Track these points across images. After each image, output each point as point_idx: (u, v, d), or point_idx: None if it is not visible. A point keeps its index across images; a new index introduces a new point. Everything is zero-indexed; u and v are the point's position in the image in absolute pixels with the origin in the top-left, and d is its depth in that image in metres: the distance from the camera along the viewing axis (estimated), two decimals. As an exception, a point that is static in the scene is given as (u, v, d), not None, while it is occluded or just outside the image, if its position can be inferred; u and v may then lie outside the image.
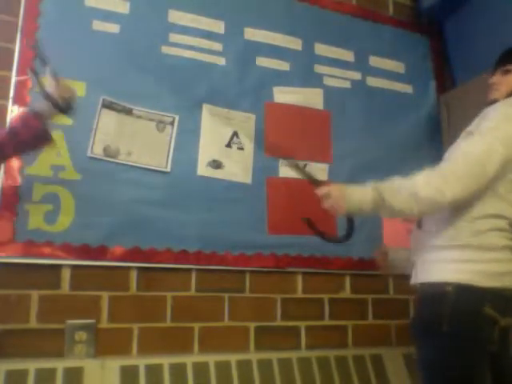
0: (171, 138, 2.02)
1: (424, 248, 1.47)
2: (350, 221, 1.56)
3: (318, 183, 1.53)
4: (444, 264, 1.39)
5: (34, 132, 1.43)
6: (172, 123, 2.02)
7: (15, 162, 1.76)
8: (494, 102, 1.51)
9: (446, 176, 1.31)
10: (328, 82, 2.39)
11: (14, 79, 1.82)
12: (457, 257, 1.37)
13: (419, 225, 1.55)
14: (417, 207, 1.33)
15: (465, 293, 1.32)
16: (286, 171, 2.21)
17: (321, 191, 1.47)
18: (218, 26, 2.20)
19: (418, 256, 1.51)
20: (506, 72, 1.56)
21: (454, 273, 1.36)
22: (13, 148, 1.43)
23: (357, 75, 2.48)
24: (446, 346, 1.34)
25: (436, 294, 1.38)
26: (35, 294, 1.76)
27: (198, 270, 2.00)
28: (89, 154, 1.87)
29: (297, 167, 1.76)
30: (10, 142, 1.41)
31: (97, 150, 1.88)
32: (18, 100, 1.81)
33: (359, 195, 1.40)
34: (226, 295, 2.04)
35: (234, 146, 2.14)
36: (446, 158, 1.45)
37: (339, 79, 2.43)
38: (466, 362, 1.33)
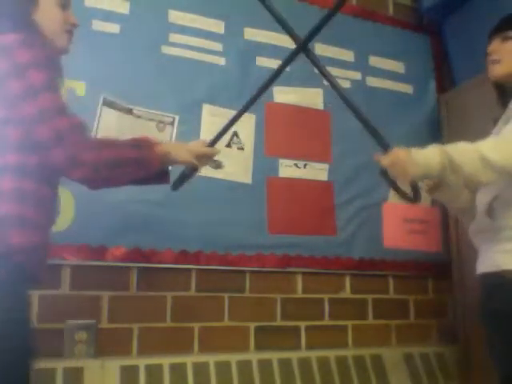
0: (171, 138, 2.02)
1: (499, 237, 1.39)
2: (414, 185, 1.46)
3: (384, 145, 1.44)
4: None
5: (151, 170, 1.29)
6: (172, 123, 2.02)
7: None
8: (498, 78, 1.44)
9: None
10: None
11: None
12: None
13: (490, 214, 1.43)
14: (485, 172, 1.26)
15: None
16: (285, 171, 2.21)
17: (387, 157, 1.39)
18: (218, 26, 2.20)
19: (487, 244, 1.43)
20: (506, 39, 1.44)
21: None
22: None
23: (357, 75, 2.48)
24: None
25: None
26: (35, 294, 1.75)
27: (198, 269, 2.00)
28: (89, 154, 1.87)
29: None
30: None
31: (97, 150, 1.88)
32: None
33: (426, 158, 1.31)
34: (226, 295, 2.04)
35: (234, 146, 2.14)
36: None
37: (339, 79, 2.40)
38: None
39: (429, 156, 1.31)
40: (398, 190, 1.51)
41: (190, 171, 1.51)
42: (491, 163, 1.25)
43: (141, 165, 1.23)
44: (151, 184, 1.41)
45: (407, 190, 1.50)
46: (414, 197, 1.49)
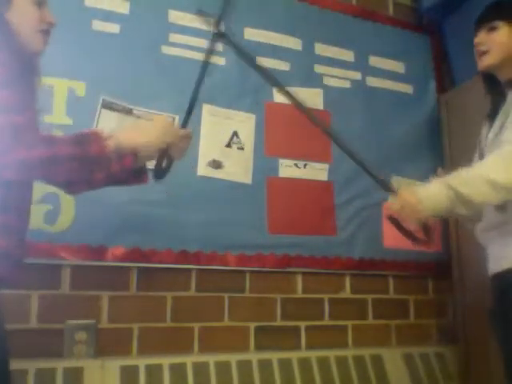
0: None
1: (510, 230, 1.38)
2: (426, 226, 1.44)
3: (389, 189, 1.45)
4: None
5: (125, 169, 1.23)
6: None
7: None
8: (488, 68, 1.42)
9: None
10: (328, 82, 2.39)
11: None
12: None
13: (502, 208, 1.40)
14: (496, 195, 1.25)
15: None
16: (285, 171, 2.21)
17: (396, 203, 1.39)
18: (218, 26, 2.20)
19: (496, 241, 1.42)
20: (492, 29, 1.42)
21: None
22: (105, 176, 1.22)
23: (357, 75, 2.48)
24: None
25: None
26: (35, 294, 1.76)
27: (198, 269, 2.00)
28: (89, 154, 1.87)
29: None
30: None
31: (97, 150, 1.88)
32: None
33: (433, 197, 1.31)
34: (226, 295, 2.04)
35: (234, 146, 2.14)
36: (489, 153, 1.38)
37: (339, 79, 2.43)
38: None
39: (435, 193, 1.31)
40: (409, 235, 1.47)
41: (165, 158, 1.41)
42: (500, 185, 1.24)
43: (85, 161, 1.14)
44: (128, 184, 1.37)
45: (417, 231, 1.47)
46: (427, 238, 1.47)
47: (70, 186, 1.25)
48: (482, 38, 1.44)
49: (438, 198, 1.30)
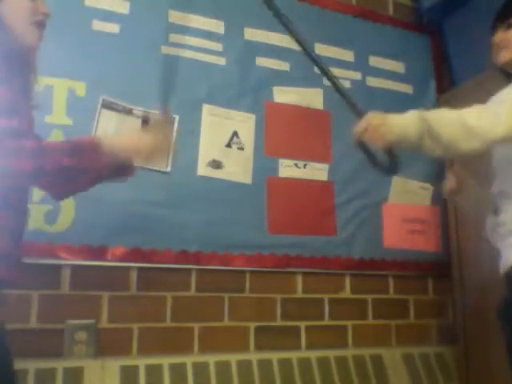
0: (171, 138, 2.01)
1: (503, 232, 1.39)
2: (392, 154, 1.41)
3: (358, 114, 1.41)
4: None
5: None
6: (172, 123, 2.02)
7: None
8: (504, 65, 1.41)
9: (497, 113, 1.24)
10: (328, 81, 2.39)
11: None
12: None
13: (496, 212, 1.42)
14: (466, 140, 1.23)
15: None
16: (285, 171, 2.21)
17: (360, 123, 1.36)
18: (218, 26, 2.20)
19: (504, 242, 1.41)
20: (510, 26, 1.40)
21: None
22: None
23: (357, 75, 2.48)
24: None
25: None
26: (35, 294, 1.76)
27: (198, 270, 2.00)
28: (89, 154, 1.87)
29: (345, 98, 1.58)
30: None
31: (97, 150, 1.88)
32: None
33: (403, 123, 1.29)
34: (226, 295, 2.04)
35: (234, 146, 2.14)
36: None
37: (339, 79, 2.42)
38: None
39: (406, 121, 1.29)
40: (374, 160, 1.45)
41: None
42: (472, 129, 1.22)
43: (76, 171, 1.12)
44: (115, 179, 1.35)
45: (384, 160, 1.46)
46: (392, 167, 1.45)
47: (56, 194, 1.27)
48: (501, 37, 1.43)
49: (409, 127, 1.27)
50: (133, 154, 1.26)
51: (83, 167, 1.13)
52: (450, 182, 1.59)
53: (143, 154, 1.27)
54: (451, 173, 1.58)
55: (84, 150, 1.14)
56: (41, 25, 1.19)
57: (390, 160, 1.43)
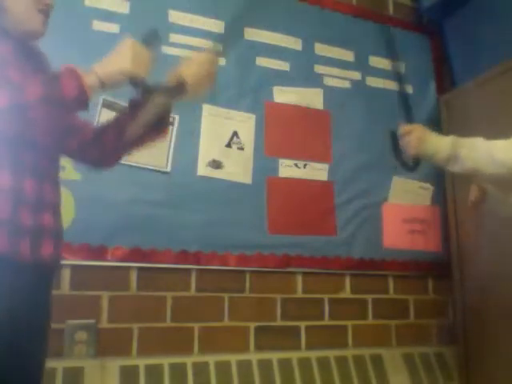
0: (171, 137, 2.02)
1: None
2: (417, 160, 1.66)
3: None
4: None
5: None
6: (172, 123, 2.02)
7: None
8: None
9: None
10: (328, 82, 2.39)
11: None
12: None
13: None
14: (489, 168, 1.36)
15: None
16: (285, 171, 2.21)
17: (409, 127, 1.58)
18: (218, 26, 2.20)
19: None
20: None
21: None
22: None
23: (357, 75, 2.48)
24: None
25: None
26: (35, 294, 1.75)
27: (198, 270, 2.00)
28: (89, 154, 1.87)
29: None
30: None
31: (97, 150, 1.88)
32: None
33: (437, 144, 1.47)
34: (226, 295, 2.04)
35: (234, 146, 2.14)
36: None
37: (339, 79, 2.43)
38: None
39: (440, 143, 1.46)
40: (399, 155, 1.66)
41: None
42: (501, 162, 1.34)
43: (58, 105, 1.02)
44: (149, 141, 1.29)
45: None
46: (413, 167, 1.67)
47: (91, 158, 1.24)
48: None
49: (440, 147, 1.46)
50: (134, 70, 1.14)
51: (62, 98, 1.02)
52: (472, 192, 1.69)
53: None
54: (473, 183, 1.70)
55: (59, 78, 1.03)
56: (44, 13, 1.16)
57: (413, 162, 1.67)
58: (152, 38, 1.25)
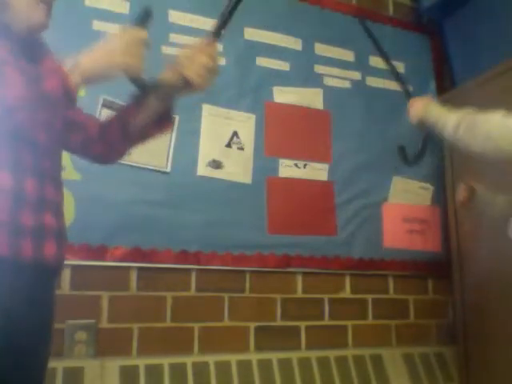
0: (171, 137, 2.02)
1: None
2: (425, 142, 1.84)
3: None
4: None
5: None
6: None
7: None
8: None
9: None
10: (328, 82, 2.39)
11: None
12: None
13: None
14: (485, 148, 1.40)
15: None
16: (285, 171, 2.22)
17: (416, 99, 1.73)
18: (218, 26, 2.20)
19: None
20: None
21: None
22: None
23: (357, 75, 2.48)
24: None
25: None
26: (35, 294, 1.75)
27: (198, 269, 2.00)
28: (89, 153, 1.87)
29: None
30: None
31: (97, 150, 1.88)
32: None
33: (439, 115, 1.58)
34: (226, 295, 2.04)
35: (234, 146, 2.14)
36: None
37: (339, 79, 2.43)
38: None
39: (443, 115, 1.58)
40: (403, 152, 1.94)
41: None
42: (493, 141, 1.37)
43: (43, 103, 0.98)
44: (152, 135, 1.29)
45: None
46: (419, 154, 1.91)
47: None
48: None
49: (441, 119, 1.57)
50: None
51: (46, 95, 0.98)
52: (461, 191, 1.73)
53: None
54: (462, 181, 1.74)
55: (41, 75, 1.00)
56: (47, 4, 1.13)
57: (421, 146, 1.81)
58: (145, 17, 1.24)
